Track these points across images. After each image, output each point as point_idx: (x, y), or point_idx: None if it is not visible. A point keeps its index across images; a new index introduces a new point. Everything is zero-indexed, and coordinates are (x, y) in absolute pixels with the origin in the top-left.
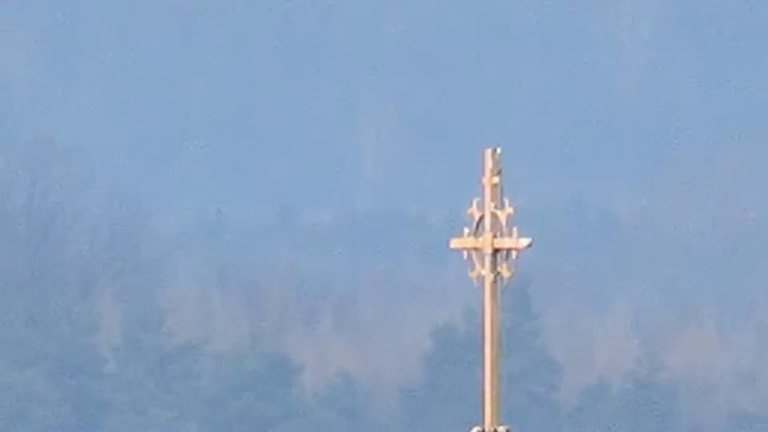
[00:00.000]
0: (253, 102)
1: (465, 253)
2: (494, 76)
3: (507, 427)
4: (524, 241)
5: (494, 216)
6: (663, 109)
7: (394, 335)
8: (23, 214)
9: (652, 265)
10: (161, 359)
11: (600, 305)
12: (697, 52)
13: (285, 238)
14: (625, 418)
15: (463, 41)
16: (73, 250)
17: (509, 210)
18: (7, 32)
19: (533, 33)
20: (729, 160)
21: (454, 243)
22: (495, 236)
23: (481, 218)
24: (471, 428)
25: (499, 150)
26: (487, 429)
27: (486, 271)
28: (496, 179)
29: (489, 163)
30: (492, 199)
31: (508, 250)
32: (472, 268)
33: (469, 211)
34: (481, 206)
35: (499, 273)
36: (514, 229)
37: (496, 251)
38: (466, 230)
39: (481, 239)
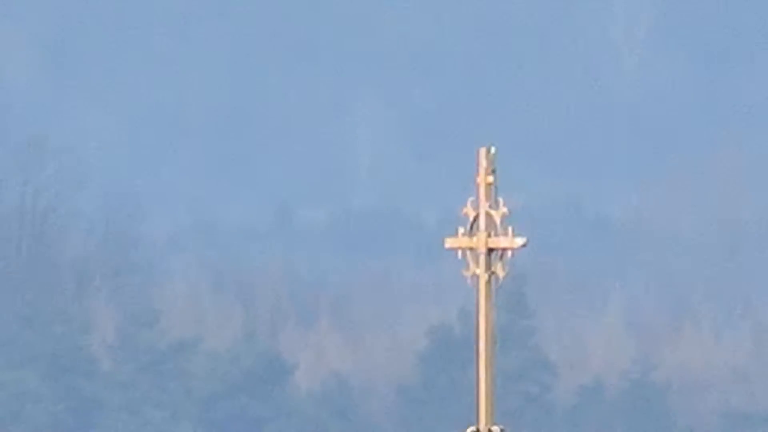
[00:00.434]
0: (247, 102)
1: (460, 252)
2: (489, 76)
3: (502, 426)
4: (519, 241)
5: (489, 215)
6: (658, 109)
7: (388, 334)
8: (16, 214)
9: (647, 264)
10: (155, 358)
11: (595, 305)
12: (692, 53)
13: (279, 238)
14: (620, 417)
15: (457, 41)
16: (67, 250)
17: (504, 209)
18: (1, 32)
19: (528, 33)
20: (724, 159)
21: (449, 242)
22: (489, 236)
23: (476, 218)
24: (466, 428)
25: (493, 149)
26: (481, 429)
27: (481, 271)
28: (490, 178)
29: (483, 163)
30: (486, 199)
31: (503, 249)
32: (467, 268)
33: (463, 211)
34: (475, 206)
35: (493, 272)
36: (509, 228)
37: (490, 251)
38: (461, 230)
39: (475, 239)
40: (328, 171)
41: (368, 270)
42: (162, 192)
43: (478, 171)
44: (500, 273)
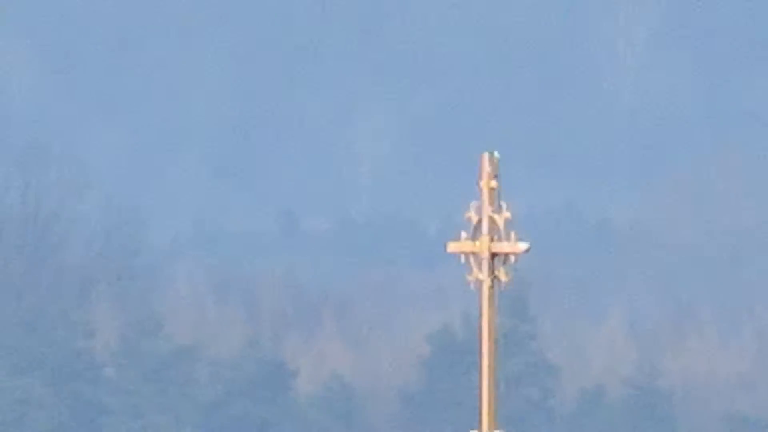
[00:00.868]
0: (250, 111)
1: (462, 257)
2: (490, 82)
3: (504, 431)
4: (522, 246)
5: (492, 220)
6: (659, 115)
7: (391, 339)
8: (19, 220)
9: (650, 269)
10: (158, 364)
11: (597, 310)
12: (692, 59)
13: (282, 245)
14: (622, 422)
15: (459, 48)
16: (69, 256)
17: (507, 214)
18: (4, 39)
19: (530, 40)
20: (725, 165)
21: (452, 247)
22: (492, 240)
23: (479, 222)
24: None
25: (496, 154)
26: None
27: (483, 276)
28: (493, 183)
29: (486, 168)
30: (490, 203)
31: (506, 254)
32: (470, 273)
33: (466, 216)
34: (478, 210)
35: (496, 277)
36: (512, 233)
37: (493, 255)
38: (464, 234)
39: (478, 243)
40: (330, 178)
41: (371, 275)
42: (165, 199)
43: (481, 176)
44: (503, 278)
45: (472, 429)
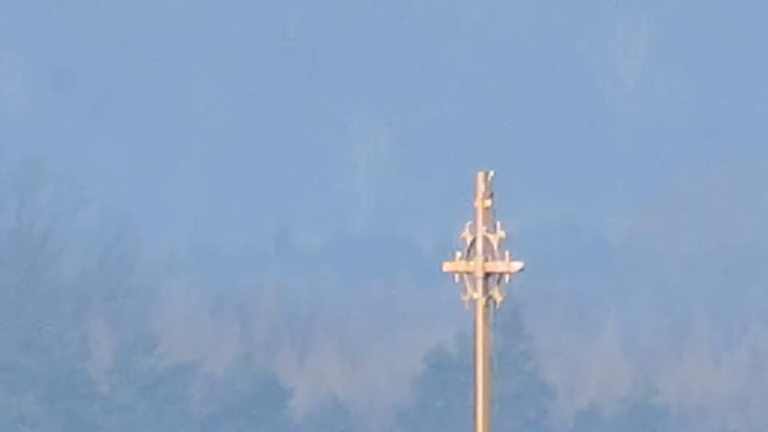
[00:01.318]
0: (245, 125)
1: (457, 276)
2: (488, 98)
3: None
4: (516, 265)
5: (486, 240)
6: (655, 130)
7: (386, 358)
8: (14, 236)
9: (645, 287)
10: (153, 382)
11: (592, 328)
12: (689, 74)
13: (277, 261)
14: None
15: (456, 64)
16: (64, 273)
17: (501, 233)
18: None
19: (527, 56)
20: (722, 180)
21: (447, 266)
22: (487, 260)
23: (473, 242)
24: None
25: (491, 173)
26: None
27: (478, 295)
28: (488, 202)
29: (481, 187)
30: (484, 223)
31: (500, 273)
32: (465, 292)
33: (461, 235)
34: (473, 230)
35: (491, 296)
36: (506, 252)
37: (487, 275)
38: (458, 254)
39: (473, 263)
40: (325, 194)
41: (365, 293)
42: (160, 215)
43: (476, 195)
44: (498, 297)
45: None
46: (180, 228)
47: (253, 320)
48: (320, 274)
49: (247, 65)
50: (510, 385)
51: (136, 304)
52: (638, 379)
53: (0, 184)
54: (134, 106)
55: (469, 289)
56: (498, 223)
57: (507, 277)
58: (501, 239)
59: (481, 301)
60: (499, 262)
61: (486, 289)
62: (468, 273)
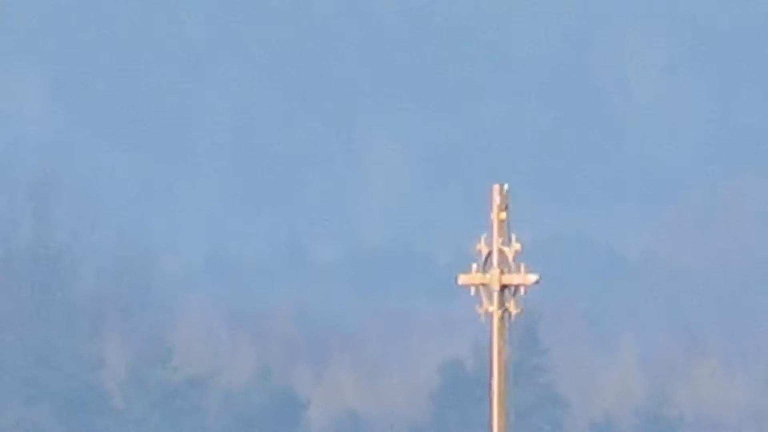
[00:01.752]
0: (260, 140)
1: (473, 289)
2: (501, 112)
3: None
4: (532, 278)
5: (501, 252)
6: (670, 145)
7: (401, 371)
8: (30, 252)
9: (660, 301)
10: (167, 395)
11: (607, 341)
12: (705, 88)
13: (293, 276)
14: None
15: (469, 80)
16: (80, 288)
17: (516, 246)
18: (13, 71)
19: (541, 70)
20: (736, 196)
21: (462, 279)
22: (502, 272)
23: (489, 254)
24: None
25: (506, 186)
26: None
27: (494, 308)
28: (503, 215)
29: (497, 199)
30: (499, 235)
31: (516, 286)
32: (480, 305)
33: (477, 248)
34: (488, 242)
35: (506, 309)
36: (522, 265)
37: (503, 287)
38: (474, 266)
39: (488, 275)
40: (341, 209)
41: (381, 307)
42: (175, 230)
43: (491, 208)
44: (513, 310)
45: None
46: (196, 243)
47: (268, 334)
48: (336, 288)
49: (262, 82)
50: (525, 397)
51: (152, 318)
52: (652, 392)
53: (16, 200)
54: (150, 122)
55: (485, 302)
56: (513, 236)
57: (522, 290)
58: (516, 252)
59: (497, 314)
60: (514, 275)
61: (502, 302)
62: (484, 285)
